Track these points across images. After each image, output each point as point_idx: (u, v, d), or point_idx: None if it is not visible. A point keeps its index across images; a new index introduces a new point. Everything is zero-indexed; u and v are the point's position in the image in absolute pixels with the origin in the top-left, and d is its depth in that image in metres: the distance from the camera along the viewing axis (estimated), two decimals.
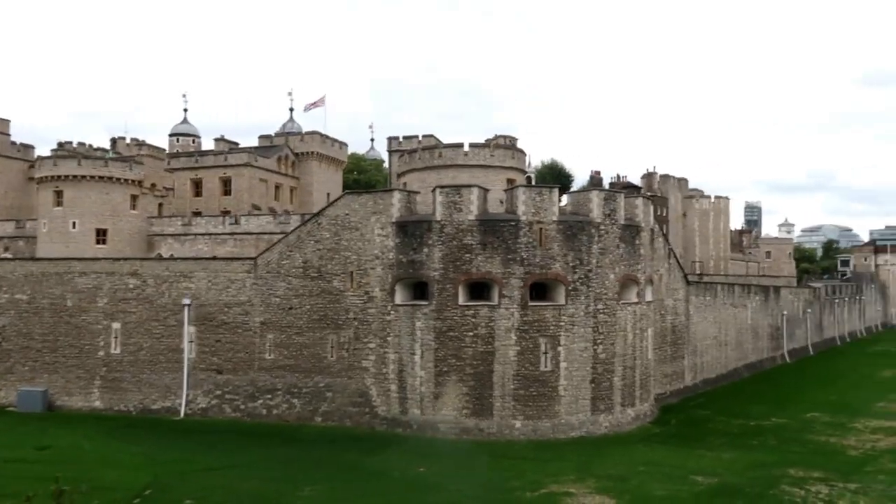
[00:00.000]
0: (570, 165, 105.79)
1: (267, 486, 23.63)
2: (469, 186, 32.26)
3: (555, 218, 31.95)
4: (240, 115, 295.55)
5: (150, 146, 62.44)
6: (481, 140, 55.58)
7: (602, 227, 32.99)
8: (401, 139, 68.40)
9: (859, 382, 50.81)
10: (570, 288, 32.11)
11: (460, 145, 47.92)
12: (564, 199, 35.64)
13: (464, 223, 31.66)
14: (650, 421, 35.69)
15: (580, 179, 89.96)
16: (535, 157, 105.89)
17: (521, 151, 52.43)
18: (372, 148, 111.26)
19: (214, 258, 41.94)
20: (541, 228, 31.77)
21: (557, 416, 31.81)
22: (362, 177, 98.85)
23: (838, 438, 32.45)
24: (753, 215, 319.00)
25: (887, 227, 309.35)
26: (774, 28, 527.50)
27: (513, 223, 31.63)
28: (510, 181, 47.84)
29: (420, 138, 66.04)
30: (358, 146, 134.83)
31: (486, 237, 31.55)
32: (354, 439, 31.22)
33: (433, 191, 32.57)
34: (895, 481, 24.91)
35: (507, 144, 51.71)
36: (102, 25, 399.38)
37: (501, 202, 34.67)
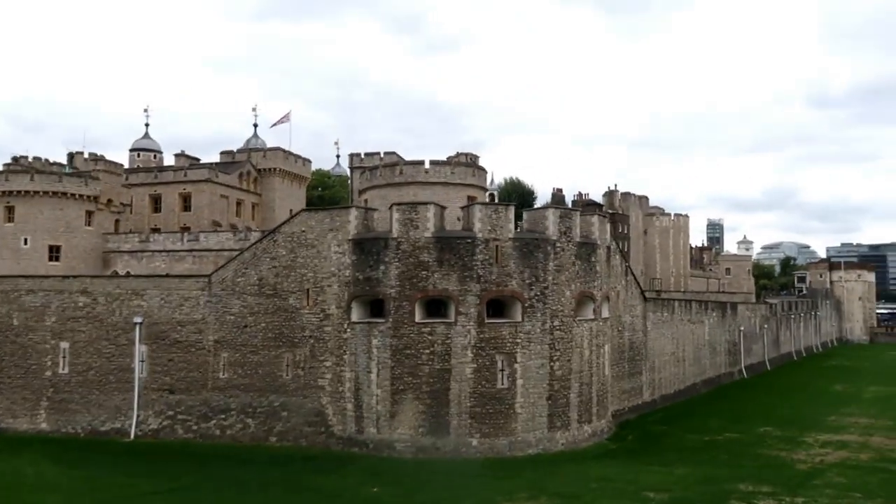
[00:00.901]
0: (533, 183, 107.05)
1: None
2: (425, 204, 32.33)
3: (511, 235, 32.16)
4: (204, 130, 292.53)
5: (107, 161, 61.37)
6: (445, 157, 56.00)
7: (558, 245, 33.30)
8: (362, 156, 68.38)
9: (812, 397, 51.85)
10: (526, 305, 32.28)
11: (421, 162, 48.10)
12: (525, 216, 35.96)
13: (420, 240, 31.68)
14: (607, 437, 35.89)
15: (543, 197, 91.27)
16: (499, 175, 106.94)
17: (482, 169, 52.83)
18: (337, 164, 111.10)
19: (167, 276, 41.21)
20: (497, 246, 31.94)
21: (514, 434, 31.80)
22: (327, 193, 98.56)
23: (788, 452, 32.99)
24: (715, 232, 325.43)
25: (843, 245, 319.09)
26: (724, 51, 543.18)
27: (469, 240, 31.76)
28: (471, 198, 48.11)
29: (382, 155, 66.11)
30: (324, 163, 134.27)
31: (443, 254, 31.60)
32: (309, 460, 30.79)
33: (390, 208, 32.57)
34: (841, 495, 25.41)
35: (467, 162, 52.10)
36: (65, 35, 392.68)
37: (459, 219, 34.78)
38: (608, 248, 37.81)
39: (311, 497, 25.27)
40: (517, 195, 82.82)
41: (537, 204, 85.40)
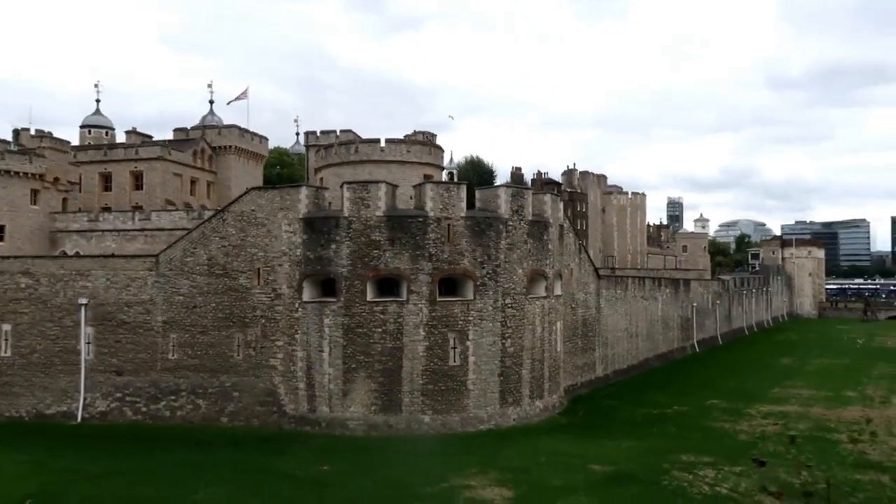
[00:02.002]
0: (493, 162, 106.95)
1: (159, 492, 22.92)
2: (377, 182, 32.13)
3: (463, 214, 32.21)
4: (159, 108, 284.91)
5: (53, 138, 59.25)
6: (404, 136, 55.55)
7: (510, 223, 33.47)
8: (318, 134, 67.42)
9: (759, 370, 53.47)
10: (478, 283, 32.46)
11: (377, 141, 47.63)
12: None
13: (372, 219, 31.53)
14: (559, 412, 36.54)
15: (504, 176, 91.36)
16: (461, 154, 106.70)
17: (439, 147, 52.59)
18: (297, 142, 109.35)
19: (113, 256, 40.26)
20: (449, 224, 31.97)
21: (466, 410, 32.14)
22: (286, 171, 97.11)
23: (732, 424, 34.06)
24: (675, 211, 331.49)
25: (797, 223, 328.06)
26: (680, 32, 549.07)
27: (421, 219, 31.71)
28: (427, 177, 47.93)
29: (338, 133, 65.24)
30: (286, 141, 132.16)
31: (395, 233, 31.52)
32: (261, 439, 30.66)
33: (341, 186, 32.28)
34: (778, 464, 26.35)
35: (423, 140, 51.79)
36: (13, 9, 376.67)
37: (412, 198, 34.68)
38: (561, 226, 38.15)
39: (262, 477, 25.17)
40: (477, 174, 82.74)
41: (497, 183, 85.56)
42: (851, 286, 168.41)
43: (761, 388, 44.77)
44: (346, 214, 31.64)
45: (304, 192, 32.63)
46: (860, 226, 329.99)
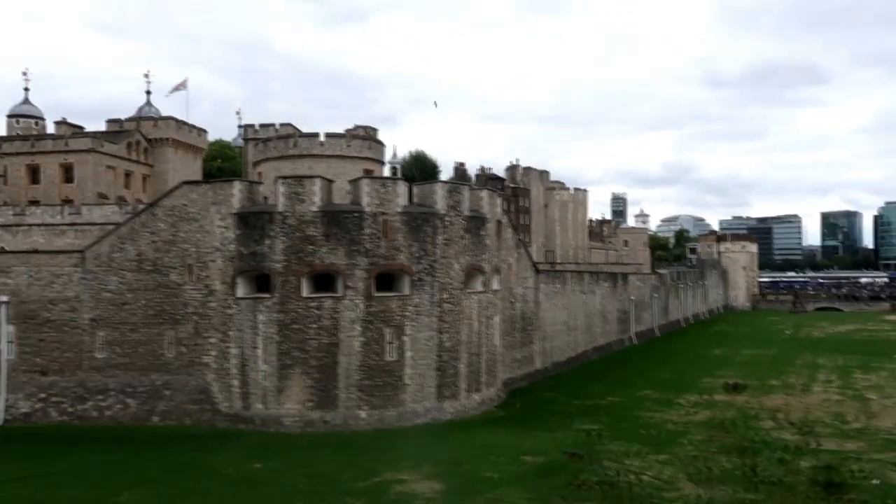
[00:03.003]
0: (438, 157, 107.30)
1: (81, 494, 22.30)
2: (312, 177, 31.88)
3: (399, 209, 32.23)
4: (94, 98, 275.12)
5: None
6: (344, 130, 55.08)
7: (447, 219, 33.68)
8: (257, 127, 66.34)
9: (692, 361, 55.29)
10: (415, 278, 32.57)
11: (316, 135, 47.16)
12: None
13: (307, 214, 31.26)
14: (496, 405, 37.00)
15: (449, 171, 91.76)
16: (407, 148, 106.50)
17: (379, 142, 52.42)
18: (239, 135, 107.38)
19: (36, 251, 38.81)
20: (385, 220, 31.96)
21: (403, 405, 32.25)
22: (228, 164, 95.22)
23: (662, 414, 35.14)
24: (619, 206, 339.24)
25: (734, 218, 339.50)
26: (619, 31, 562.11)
27: (357, 214, 31.60)
28: (367, 171, 47.77)
29: (278, 127, 64.33)
30: (227, 133, 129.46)
31: (330, 228, 31.33)
32: (193, 438, 30.11)
33: (275, 181, 31.89)
34: (698, 450, 27.15)
35: (364, 135, 51.56)
36: None
37: (348, 193, 34.50)
38: (499, 221, 38.57)
39: (190, 475, 24.76)
40: (421, 169, 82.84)
41: (442, 178, 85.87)
42: (784, 279, 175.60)
43: (692, 378, 46.27)
44: (281, 209, 31.28)
45: (237, 186, 32.10)
46: (792, 221, 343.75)
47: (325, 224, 31.28)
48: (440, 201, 33.42)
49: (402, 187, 32.60)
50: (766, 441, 3.81)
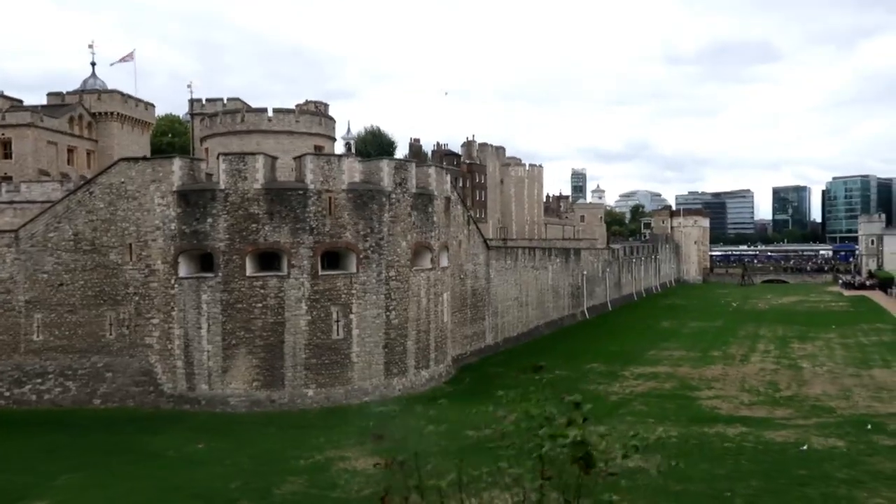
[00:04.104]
0: (394, 133, 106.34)
1: (16, 479, 21.87)
2: (254, 154, 31.41)
3: (344, 187, 32.01)
4: (38, 70, 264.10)
5: None
6: (295, 105, 54.15)
7: (393, 196, 33.57)
8: (204, 102, 64.74)
9: (641, 333, 56.57)
10: (361, 256, 32.50)
11: (264, 110, 46.27)
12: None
13: (249, 192, 30.81)
14: (445, 381, 37.38)
15: (405, 146, 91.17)
16: (363, 124, 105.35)
17: (330, 118, 51.73)
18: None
19: None
20: (330, 197, 31.72)
21: (350, 383, 32.37)
22: (177, 140, 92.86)
23: (606, 386, 36.02)
24: (579, 181, 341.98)
25: (690, 193, 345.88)
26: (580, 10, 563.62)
27: (301, 192, 31.29)
28: (318, 147, 47.16)
29: (225, 101, 62.87)
30: (179, 108, 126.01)
31: (274, 206, 30.97)
32: (136, 420, 29.75)
33: (217, 158, 31.30)
34: (638, 420, 28.19)
35: (314, 111, 50.78)
36: None
37: (293, 170, 34.08)
38: (447, 198, 38.60)
39: (131, 457, 24.48)
40: (377, 145, 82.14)
41: (398, 154, 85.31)
42: (734, 252, 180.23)
43: (639, 350, 47.44)
44: (223, 187, 30.76)
45: (177, 163, 31.41)
46: (745, 196, 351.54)
47: (268, 202, 30.90)
48: (386, 178, 33.27)
49: (346, 164, 32.33)
50: (547, 417, 3.92)
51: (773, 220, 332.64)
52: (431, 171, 36.54)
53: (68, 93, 70.62)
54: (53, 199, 51.57)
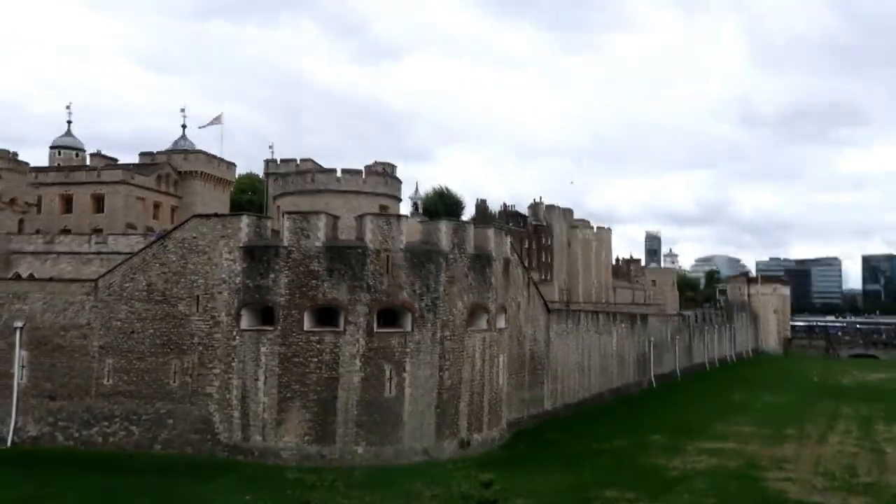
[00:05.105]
0: (463, 193, 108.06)
1: None
2: (317, 213, 32.57)
3: (402, 246, 32.65)
4: (134, 130, 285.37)
5: (11, 159, 59.19)
6: (363, 166, 56.20)
7: (450, 257, 33.94)
8: (278, 162, 68.02)
9: (709, 406, 53.92)
10: (416, 315, 32.78)
11: (333, 171, 48.26)
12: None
13: (311, 249, 31.86)
14: (499, 445, 36.61)
15: (472, 207, 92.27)
16: (434, 184, 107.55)
17: (396, 179, 53.28)
18: None
19: (51, 279, 40.16)
20: (388, 256, 32.39)
21: (401, 442, 32.20)
22: (256, 198, 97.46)
23: (666, 460, 34.32)
24: (653, 245, 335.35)
25: (771, 259, 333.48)
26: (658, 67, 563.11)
27: (360, 250, 32.10)
28: (383, 207, 48.52)
29: (298, 162, 65.92)
30: (260, 166, 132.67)
31: (333, 263, 31.86)
32: (191, 468, 30.46)
33: (282, 216, 32.64)
34: (696, 499, 26.73)
35: (380, 171, 52.53)
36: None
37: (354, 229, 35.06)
38: (506, 260, 38.66)
39: None
40: (445, 205, 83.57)
41: (464, 214, 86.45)
42: (819, 323, 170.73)
43: (705, 424, 45.14)
44: (286, 244, 31.97)
45: (245, 220, 32.95)
46: (832, 264, 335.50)
47: (328, 259, 31.83)
48: (444, 239, 33.75)
49: (405, 224, 33.07)
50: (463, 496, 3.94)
51: (864, 291, 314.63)
52: (490, 232, 36.84)
53: (158, 152, 75.88)
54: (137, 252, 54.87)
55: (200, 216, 34.78)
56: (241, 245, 32.55)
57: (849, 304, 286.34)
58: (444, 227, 34.05)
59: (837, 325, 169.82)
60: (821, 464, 33.40)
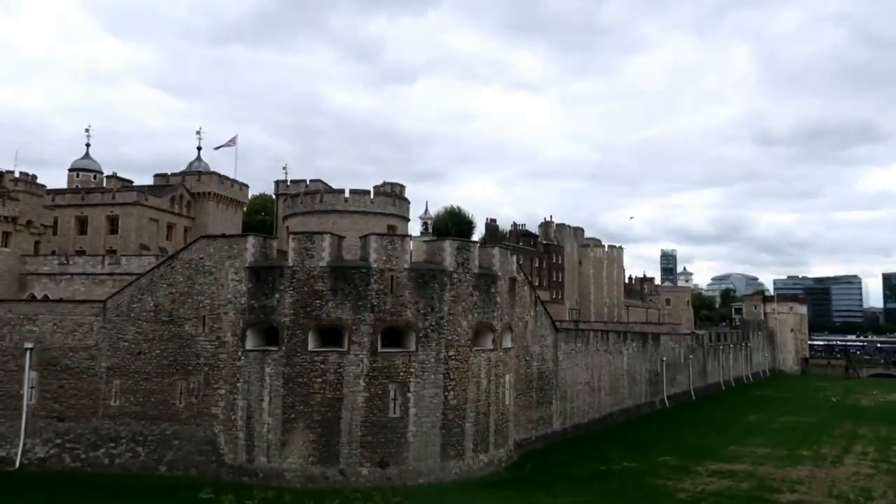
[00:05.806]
0: (478, 213, 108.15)
1: None
2: (321, 234, 32.74)
3: (406, 266, 32.70)
4: (152, 152, 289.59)
5: (28, 182, 60.23)
6: (372, 186, 56.54)
7: (455, 276, 33.92)
8: (288, 183, 68.54)
9: (723, 426, 53.11)
10: (420, 335, 32.72)
11: (341, 191, 48.59)
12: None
13: (315, 269, 32.00)
14: (505, 466, 36.24)
15: (483, 227, 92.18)
16: (450, 204, 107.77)
17: (404, 199, 53.51)
18: None
19: (61, 300, 40.57)
20: (392, 276, 32.44)
21: (405, 463, 31.98)
22: (268, 218, 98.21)
23: (676, 482, 33.81)
24: (669, 263, 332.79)
25: (789, 277, 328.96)
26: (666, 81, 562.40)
27: (364, 270, 32.19)
28: (391, 227, 48.69)
29: (308, 183, 66.39)
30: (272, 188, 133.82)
31: (337, 283, 31.96)
32: (195, 489, 30.36)
33: (287, 237, 32.86)
34: None
35: (388, 192, 52.77)
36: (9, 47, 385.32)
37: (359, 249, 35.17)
38: (512, 279, 38.55)
39: None
40: (456, 225, 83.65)
41: (475, 234, 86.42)
42: (839, 342, 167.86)
43: (718, 444, 44.48)
44: (291, 264, 32.15)
45: (251, 241, 33.20)
46: (852, 282, 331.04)
47: (332, 279, 31.94)
48: (448, 258, 33.76)
49: (409, 244, 33.14)
50: None
51: (885, 309, 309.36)
52: (495, 251, 36.81)
53: (173, 174, 76.74)
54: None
55: (207, 237, 35.09)
56: (246, 265, 32.77)
57: (870, 322, 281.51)
58: (448, 247, 34.08)
59: (857, 344, 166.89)
60: (835, 486, 32.74)
